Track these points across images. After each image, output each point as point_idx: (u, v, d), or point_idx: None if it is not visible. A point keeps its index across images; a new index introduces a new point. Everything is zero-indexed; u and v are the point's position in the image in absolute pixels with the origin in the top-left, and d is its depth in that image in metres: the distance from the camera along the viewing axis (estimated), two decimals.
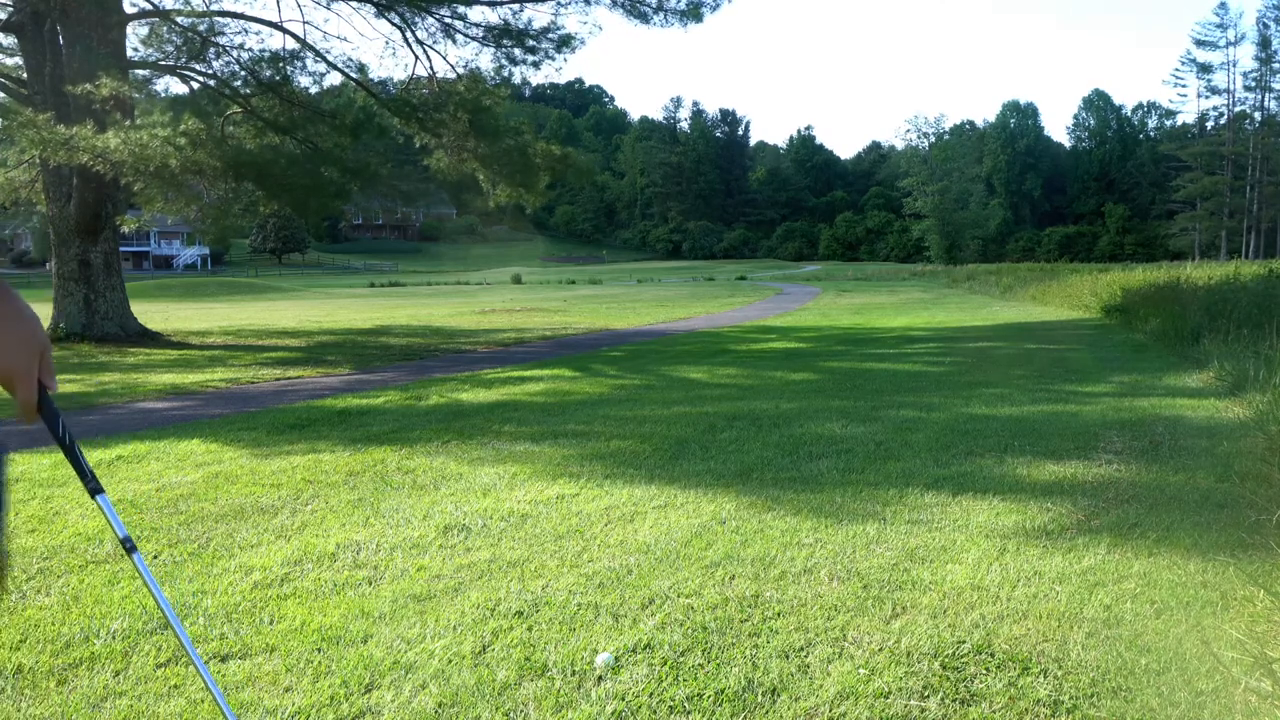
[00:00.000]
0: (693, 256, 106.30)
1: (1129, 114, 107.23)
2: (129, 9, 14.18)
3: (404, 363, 11.01)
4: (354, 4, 15.09)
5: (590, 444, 5.46)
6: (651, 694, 2.30)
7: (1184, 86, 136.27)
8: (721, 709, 2.23)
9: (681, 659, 2.49)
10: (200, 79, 14.92)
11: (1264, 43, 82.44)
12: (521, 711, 2.22)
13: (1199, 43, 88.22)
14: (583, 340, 14.21)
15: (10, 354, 1.28)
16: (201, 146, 12.28)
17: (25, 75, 13.92)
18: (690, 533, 3.62)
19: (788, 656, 2.49)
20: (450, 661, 2.50)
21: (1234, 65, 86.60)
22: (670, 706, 2.24)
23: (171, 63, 15.14)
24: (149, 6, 14.72)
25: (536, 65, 15.93)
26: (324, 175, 14.91)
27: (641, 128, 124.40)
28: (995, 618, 2.73)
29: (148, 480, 4.65)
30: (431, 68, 15.90)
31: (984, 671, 2.40)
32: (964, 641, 2.56)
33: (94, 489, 1.66)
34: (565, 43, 15.52)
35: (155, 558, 3.43)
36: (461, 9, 15.03)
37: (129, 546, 1.71)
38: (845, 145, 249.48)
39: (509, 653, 2.54)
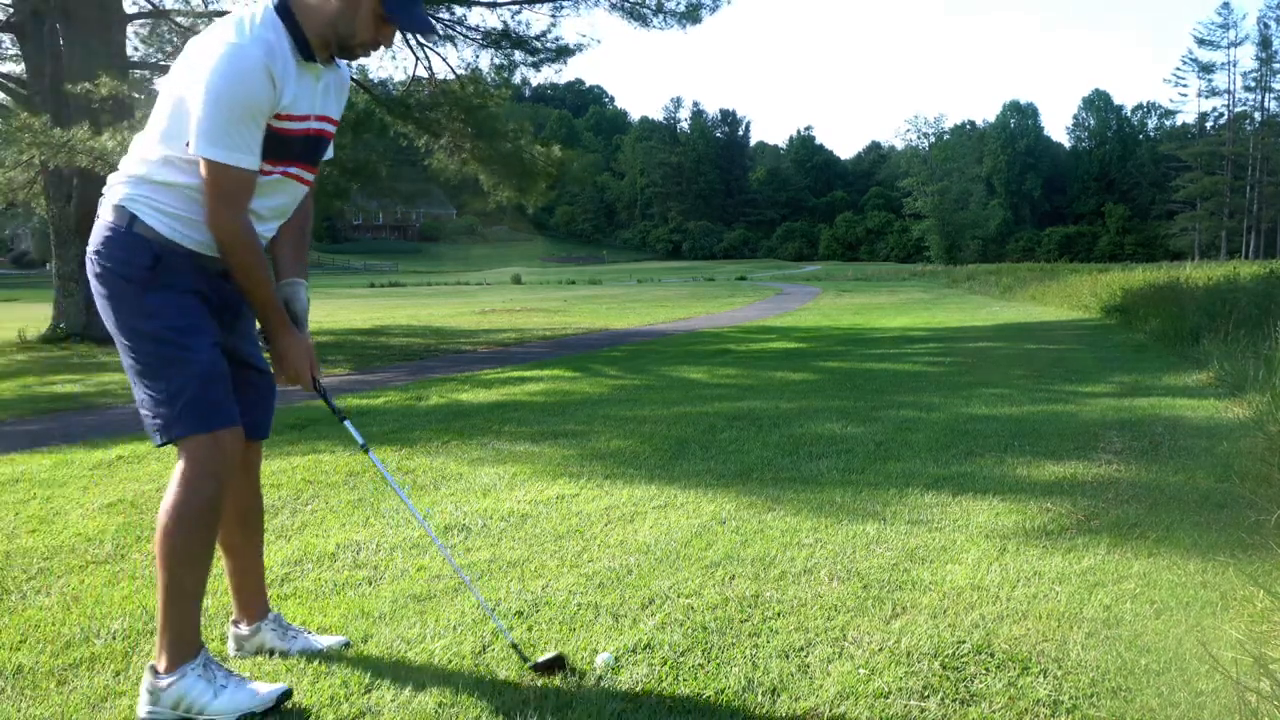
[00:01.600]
0: (693, 257, 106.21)
1: (1129, 114, 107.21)
2: (129, 9, 14.18)
3: (404, 363, 11.01)
4: None
5: (590, 444, 5.46)
6: (651, 694, 2.30)
7: (1184, 86, 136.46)
8: (721, 709, 2.23)
9: (681, 659, 2.49)
10: None
11: (1264, 43, 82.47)
12: (521, 711, 2.22)
13: (1201, 42, 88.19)
14: (582, 340, 14.21)
15: (296, 363, 2.36)
16: None
17: (25, 75, 13.94)
18: (690, 533, 3.62)
19: (788, 656, 2.50)
20: (450, 661, 2.50)
21: (1234, 65, 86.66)
22: (670, 706, 2.24)
23: (171, 63, 15.14)
24: (149, 6, 14.73)
25: (536, 67, 15.94)
26: (323, 175, 14.88)
27: (641, 128, 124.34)
28: (995, 618, 2.73)
29: (148, 480, 4.65)
30: (431, 69, 15.91)
31: (984, 671, 2.40)
32: (964, 641, 2.57)
33: (364, 447, 2.58)
34: (564, 52, 15.54)
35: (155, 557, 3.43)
36: (460, 10, 15.03)
37: (365, 448, 2.58)
38: (845, 145, 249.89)
39: (509, 653, 2.54)
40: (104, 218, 2.24)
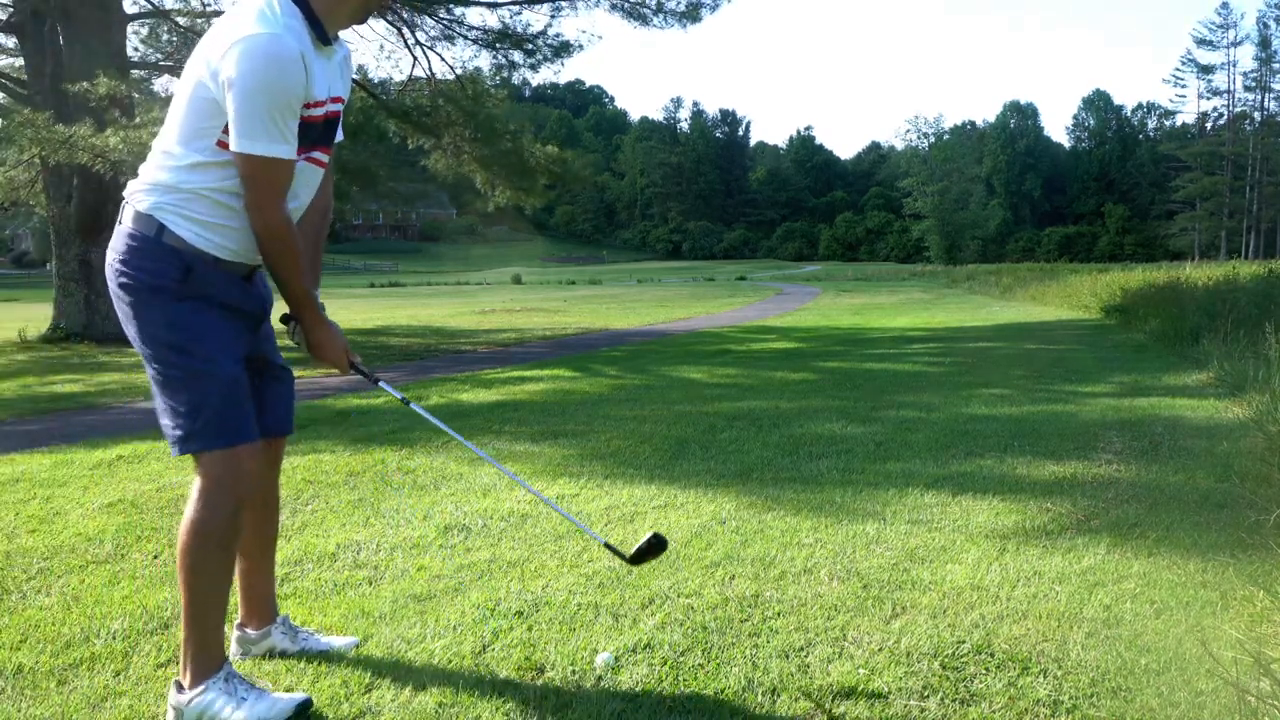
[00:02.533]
0: (693, 257, 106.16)
1: (1129, 114, 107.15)
2: (129, 9, 14.18)
3: (404, 363, 11.01)
4: None
5: (590, 444, 5.46)
6: (651, 694, 2.30)
7: (1184, 86, 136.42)
8: (721, 709, 2.23)
9: (681, 659, 2.49)
10: None
11: (1264, 43, 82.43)
12: (521, 711, 2.22)
13: (1200, 42, 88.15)
14: (583, 340, 14.21)
15: (332, 352, 2.43)
16: None
17: (25, 75, 13.93)
18: (690, 533, 3.62)
19: (788, 656, 2.50)
20: (450, 661, 2.50)
21: (1234, 65, 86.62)
22: (670, 706, 2.24)
23: (171, 63, 15.14)
24: (149, 6, 14.72)
25: (535, 68, 15.95)
26: None
27: (641, 128, 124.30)
28: (995, 618, 2.73)
29: (148, 480, 4.65)
30: (430, 69, 15.90)
31: (984, 671, 2.40)
32: (964, 641, 2.57)
33: (405, 400, 2.73)
34: (563, 49, 15.54)
35: (156, 557, 3.44)
36: (459, 10, 15.04)
37: (406, 401, 2.73)
38: (845, 145, 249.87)
39: (509, 653, 2.54)
40: (128, 225, 2.19)
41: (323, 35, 2.19)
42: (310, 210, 2.41)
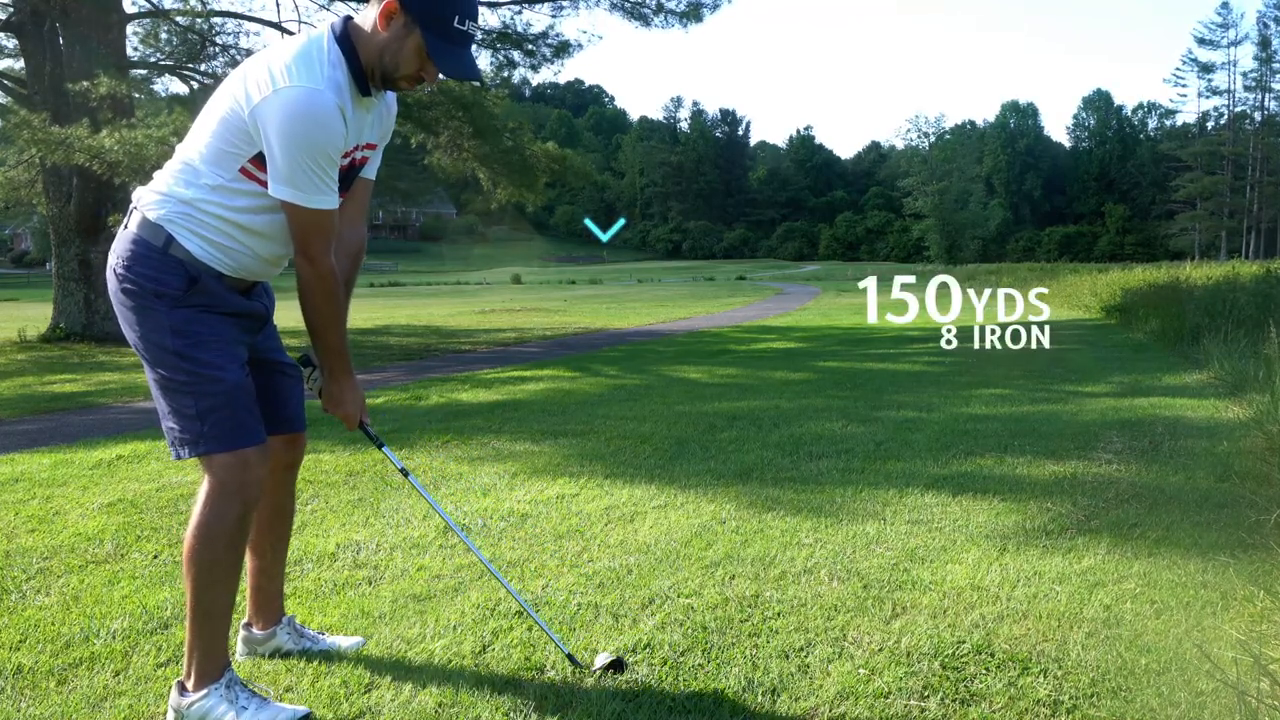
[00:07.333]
0: (693, 256, 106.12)
1: (1129, 114, 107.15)
2: (129, 9, 14.19)
3: (403, 362, 11.01)
4: (353, 4, 15.10)
5: (590, 444, 5.46)
6: (651, 694, 2.30)
7: (1184, 86, 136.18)
8: (721, 709, 2.23)
9: (681, 659, 2.49)
10: (199, 79, 14.91)
11: (1264, 43, 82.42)
12: (521, 711, 2.22)
13: (1201, 41, 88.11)
14: (582, 340, 14.21)
15: (350, 406, 2.44)
16: None
17: (26, 75, 13.94)
18: (690, 533, 3.62)
19: (788, 656, 2.49)
20: (450, 661, 2.50)
21: (1234, 65, 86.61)
22: (670, 706, 2.24)
23: (171, 63, 15.14)
24: (148, 6, 14.73)
25: (535, 68, 15.96)
26: None
27: (641, 128, 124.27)
28: (995, 618, 2.73)
29: (148, 480, 4.65)
30: None
31: (984, 671, 2.40)
32: (964, 641, 2.56)
33: (404, 471, 2.66)
34: (563, 49, 15.55)
35: (155, 557, 3.44)
36: None
37: (405, 473, 2.65)
38: (845, 145, 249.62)
39: (509, 653, 2.54)
40: (134, 231, 2.18)
41: (364, 87, 2.20)
42: (342, 253, 2.38)
